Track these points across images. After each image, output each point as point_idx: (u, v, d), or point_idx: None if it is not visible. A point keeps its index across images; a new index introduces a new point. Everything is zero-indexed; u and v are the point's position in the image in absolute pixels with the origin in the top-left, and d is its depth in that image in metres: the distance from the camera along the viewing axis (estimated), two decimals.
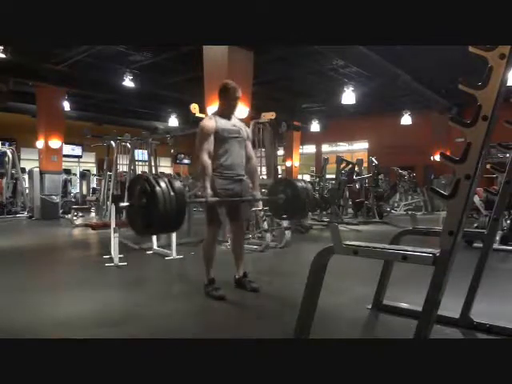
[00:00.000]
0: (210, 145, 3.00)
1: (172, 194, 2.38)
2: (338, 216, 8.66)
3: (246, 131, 3.28)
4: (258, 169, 5.87)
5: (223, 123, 3.08)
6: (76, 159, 15.99)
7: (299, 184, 3.41)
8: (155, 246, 5.00)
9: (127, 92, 10.31)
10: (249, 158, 3.28)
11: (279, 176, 9.05)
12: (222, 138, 3.04)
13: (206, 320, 2.70)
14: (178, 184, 2.47)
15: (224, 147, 3.05)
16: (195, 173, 15.20)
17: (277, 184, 3.65)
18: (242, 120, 5.97)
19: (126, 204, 2.53)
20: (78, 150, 15.62)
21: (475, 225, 5.47)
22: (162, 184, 2.38)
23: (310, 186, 3.54)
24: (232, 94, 3.10)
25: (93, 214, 10.08)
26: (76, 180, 13.74)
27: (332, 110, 14.15)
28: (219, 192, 3.00)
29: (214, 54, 6.02)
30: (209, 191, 2.91)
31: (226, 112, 3.14)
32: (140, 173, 7.98)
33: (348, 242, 1.68)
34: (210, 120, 3.07)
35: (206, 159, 2.97)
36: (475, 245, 4.69)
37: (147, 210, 2.39)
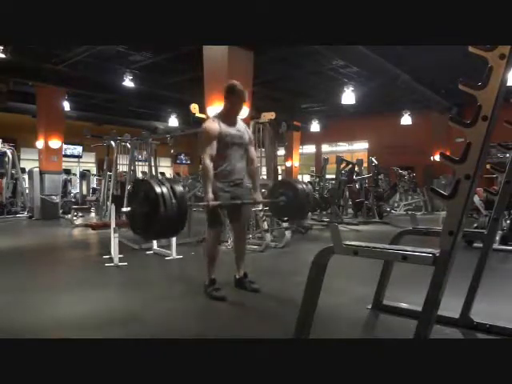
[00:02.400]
0: (212, 149, 2.97)
1: (174, 201, 2.38)
2: (338, 216, 8.66)
3: (249, 134, 3.25)
4: (259, 169, 5.87)
5: (227, 128, 3.03)
6: (76, 159, 16.00)
7: (299, 186, 3.41)
8: (155, 246, 5.00)
9: (127, 92, 10.31)
10: (251, 161, 3.26)
11: (279, 176, 9.06)
12: (224, 142, 3.01)
13: (206, 320, 2.70)
14: (179, 189, 2.46)
15: (226, 152, 3.03)
16: (195, 173, 15.22)
17: (277, 186, 3.65)
18: (242, 120, 5.96)
19: (127, 209, 2.53)
20: (78, 149, 15.62)
21: (475, 225, 5.47)
22: (164, 189, 2.38)
23: (310, 187, 3.53)
24: (239, 97, 3.05)
25: (93, 214, 10.08)
26: (76, 180, 13.73)
27: (332, 110, 14.16)
28: (220, 195, 2.99)
29: (214, 54, 6.01)
30: (210, 195, 2.91)
31: (230, 115, 3.09)
32: (140, 174, 8.00)
33: (348, 242, 1.68)
34: (214, 123, 3.02)
35: (209, 163, 2.95)
36: (475, 245, 4.68)
37: (149, 215, 2.39)
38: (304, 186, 3.46)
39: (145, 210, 2.40)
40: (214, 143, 2.98)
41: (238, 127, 3.13)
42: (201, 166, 2.98)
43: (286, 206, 3.39)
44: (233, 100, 3.06)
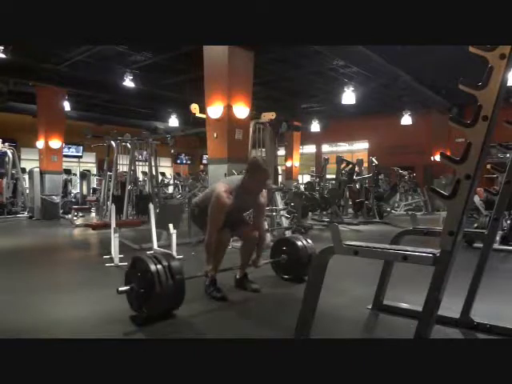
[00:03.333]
0: (219, 222, 2.92)
1: (170, 282, 2.50)
2: (338, 216, 8.66)
3: (263, 199, 3.16)
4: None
5: (240, 202, 2.98)
6: (76, 159, 16.00)
7: (299, 243, 3.50)
8: (155, 246, 5.00)
9: (127, 92, 10.31)
10: (258, 228, 3.18)
11: (279, 176, 9.06)
12: (229, 210, 2.96)
13: (207, 320, 2.70)
14: (176, 266, 2.57)
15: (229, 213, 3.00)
16: (195, 173, 15.22)
17: (279, 243, 3.72)
18: (242, 120, 5.96)
19: (126, 288, 2.57)
20: (78, 149, 15.63)
21: (475, 225, 5.46)
22: (159, 267, 2.49)
23: (310, 243, 3.58)
24: (263, 176, 2.96)
25: (93, 214, 10.08)
26: (76, 180, 13.73)
27: (332, 110, 14.14)
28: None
29: (214, 54, 6.01)
30: (212, 273, 2.98)
31: (248, 188, 3.00)
32: (141, 174, 7.98)
33: (348, 242, 1.68)
34: (229, 196, 2.92)
35: (214, 238, 2.92)
36: (475, 245, 4.68)
37: (146, 294, 2.48)
38: (304, 242, 3.54)
39: (142, 289, 2.50)
40: (223, 216, 2.92)
41: (254, 198, 3.07)
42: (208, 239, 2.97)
43: (288, 263, 3.51)
44: (255, 176, 2.96)
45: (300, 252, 3.43)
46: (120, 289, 2.53)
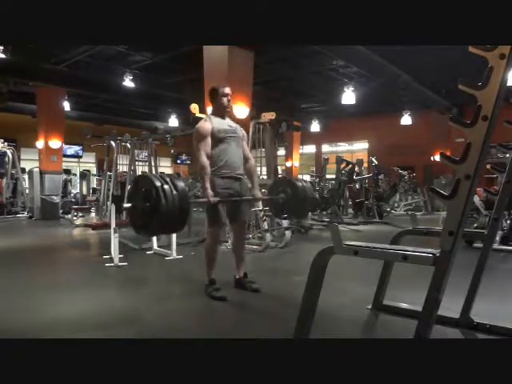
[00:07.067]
0: (207, 146, 3.02)
1: (175, 192, 2.37)
2: (338, 216, 8.66)
3: (242, 131, 3.31)
4: (258, 169, 5.88)
5: (218, 123, 3.11)
6: (76, 159, 15.99)
7: (299, 184, 3.42)
8: (155, 246, 5.00)
9: (127, 92, 10.30)
10: (246, 159, 3.30)
11: (279, 176, 9.06)
12: (218, 138, 3.06)
13: (207, 320, 2.70)
14: (180, 184, 2.46)
15: (221, 147, 3.07)
16: (195, 173, 15.22)
17: (276, 183, 3.66)
18: (242, 120, 5.96)
19: (128, 205, 2.52)
20: (78, 149, 15.62)
21: (475, 225, 5.46)
22: (165, 185, 2.37)
23: (309, 185, 3.55)
24: (220, 92, 3.14)
25: (93, 214, 10.08)
26: (76, 180, 13.72)
27: (332, 110, 14.15)
28: (219, 192, 3.00)
29: (214, 54, 6.01)
30: (209, 191, 2.91)
31: (218, 112, 3.18)
32: (140, 173, 7.99)
33: (348, 242, 1.68)
34: (206, 121, 3.10)
35: (205, 159, 2.99)
36: (475, 245, 4.68)
37: (150, 211, 2.38)
38: (303, 183, 3.48)
39: (146, 204, 2.39)
40: (208, 140, 3.03)
41: (229, 123, 3.21)
42: (198, 169, 2.98)
43: (285, 203, 3.42)
44: (216, 97, 3.16)
45: (298, 190, 3.40)
46: (124, 205, 2.53)
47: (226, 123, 3.16)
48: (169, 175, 2.59)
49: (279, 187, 3.51)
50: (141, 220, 2.47)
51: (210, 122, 3.08)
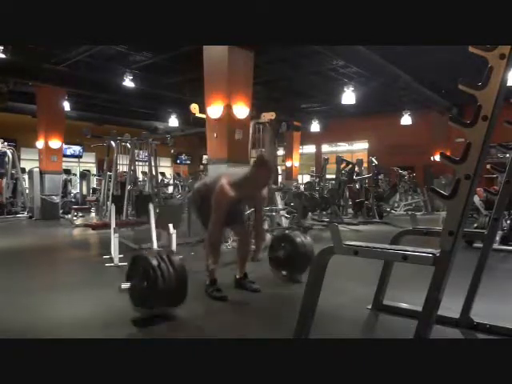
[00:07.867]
0: (223, 216, 2.96)
1: (171, 270, 2.50)
2: (338, 216, 8.66)
3: (264, 193, 3.22)
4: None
5: (241, 195, 3.02)
6: (76, 159, 15.99)
7: (298, 239, 3.55)
8: (155, 246, 4.99)
9: (127, 92, 10.30)
10: (257, 212, 3.28)
11: (279, 176, 9.06)
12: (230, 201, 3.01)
13: (207, 320, 2.70)
14: (177, 262, 2.58)
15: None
16: (195, 173, 15.22)
17: (277, 239, 3.75)
18: (242, 120, 5.96)
19: (127, 285, 2.58)
20: (78, 149, 15.62)
21: (475, 225, 5.46)
22: (162, 265, 2.49)
23: (309, 240, 3.63)
24: (267, 171, 3.01)
25: (93, 214, 10.07)
26: (76, 180, 13.72)
27: (332, 110, 14.15)
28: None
29: (214, 54, 6.01)
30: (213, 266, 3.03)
31: (254, 183, 3.03)
32: (140, 174, 7.98)
33: (348, 242, 1.68)
34: (231, 190, 2.95)
35: (218, 235, 3.03)
36: (475, 245, 4.68)
37: (149, 291, 2.49)
38: (303, 238, 3.59)
39: (144, 285, 2.50)
40: (226, 209, 2.96)
41: (254, 194, 3.15)
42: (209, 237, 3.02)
43: (286, 258, 3.55)
44: (261, 173, 3.00)
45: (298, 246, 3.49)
46: (123, 286, 2.55)
47: (250, 192, 3.09)
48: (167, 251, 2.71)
49: (280, 243, 3.63)
50: (141, 298, 2.55)
51: (234, 192, 2.94)
